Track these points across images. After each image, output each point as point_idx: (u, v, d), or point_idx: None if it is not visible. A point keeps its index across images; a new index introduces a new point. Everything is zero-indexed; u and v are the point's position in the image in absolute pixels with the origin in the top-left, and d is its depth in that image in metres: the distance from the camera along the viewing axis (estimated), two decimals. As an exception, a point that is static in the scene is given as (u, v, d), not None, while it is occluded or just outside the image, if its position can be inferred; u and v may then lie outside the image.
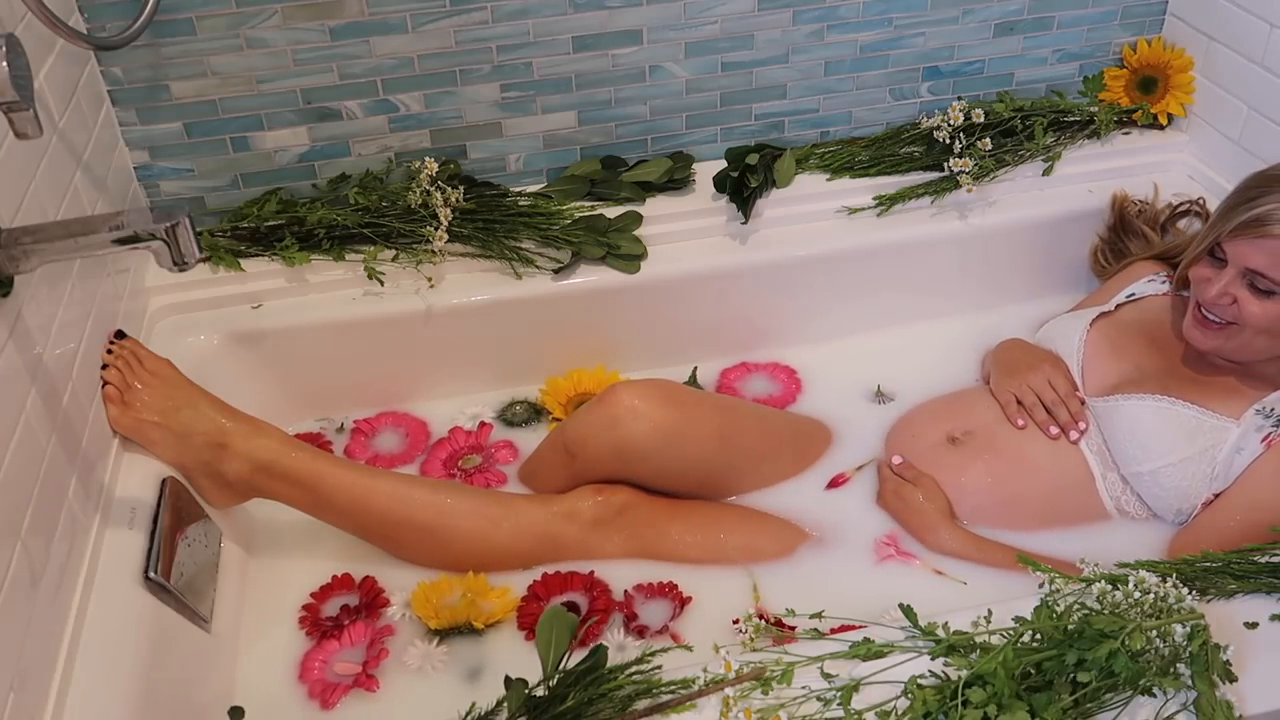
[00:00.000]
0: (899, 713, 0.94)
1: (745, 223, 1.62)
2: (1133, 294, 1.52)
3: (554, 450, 1.44)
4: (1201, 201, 1.65)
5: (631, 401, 1.36)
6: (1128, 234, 1.66)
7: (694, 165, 1.69)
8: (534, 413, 1.63)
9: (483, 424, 1.61)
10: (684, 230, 1.63)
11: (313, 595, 1.36)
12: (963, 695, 0.92)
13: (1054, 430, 1.40)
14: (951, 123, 1.65)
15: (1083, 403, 1.42)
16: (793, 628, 1.08)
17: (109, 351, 1.28)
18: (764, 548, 1.37)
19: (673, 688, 0.99)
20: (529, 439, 1.58)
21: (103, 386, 1.25)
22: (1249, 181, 1.31)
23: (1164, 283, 1.51)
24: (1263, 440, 1.28)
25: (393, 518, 1.32)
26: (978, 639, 0.99)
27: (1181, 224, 1.65)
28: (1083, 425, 1.40)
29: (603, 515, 1.36)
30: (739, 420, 1.45)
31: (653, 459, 1.36)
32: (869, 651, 0.99)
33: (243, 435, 1.28)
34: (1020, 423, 1.42)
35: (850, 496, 1.47)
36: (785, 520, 1.42)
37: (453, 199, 1.54)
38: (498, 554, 1.35)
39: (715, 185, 1.64)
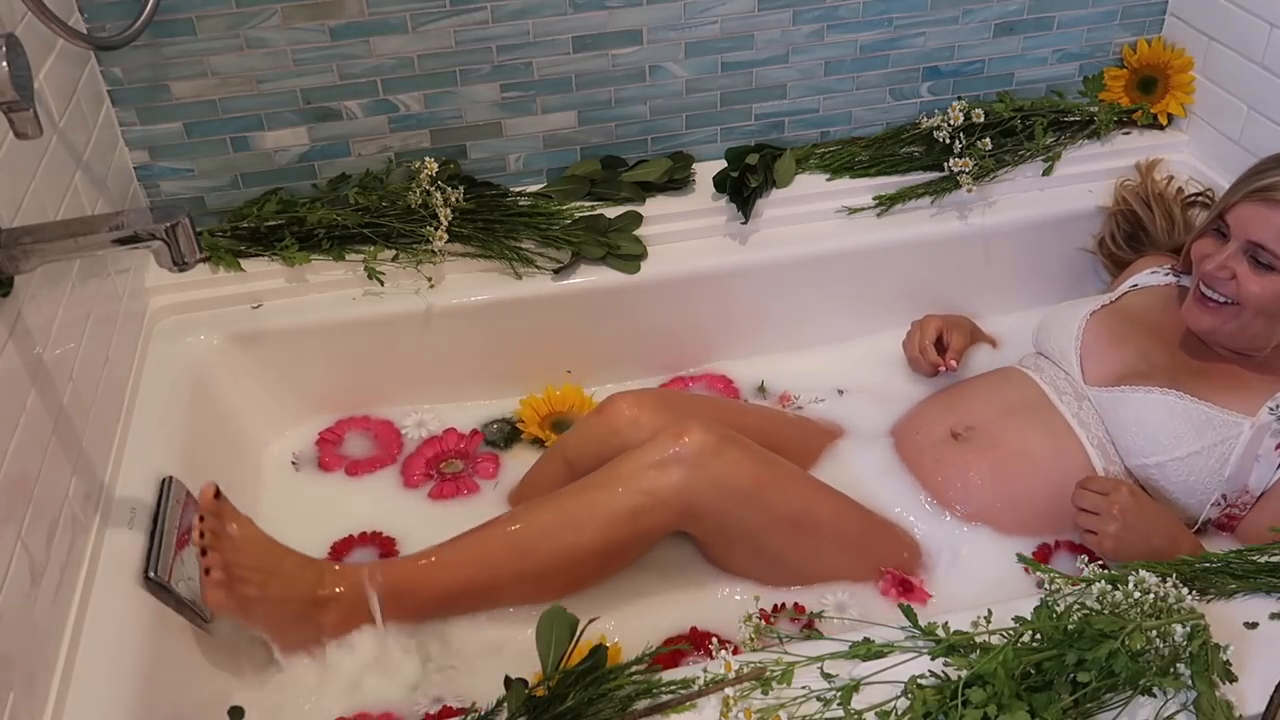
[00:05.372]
0: (899, 713, 0.94)
1: (745, 223, 1.62)
2: (1135, 284, 1.52)
3: (553, 464, 1.43)
4: (1210, 193, 1.65)
5: (631, 411, 1.36)
6: (1150, 207, 1.64)
7: (694, 165, 1.69)
8: (514, 434, 1.62)
9: (474, 432, 1.61)
10: (684, 230, 1.63)
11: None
12: (963, 695, 0.92)
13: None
14: (951, 123, 1.65)
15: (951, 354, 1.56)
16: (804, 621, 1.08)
17: (202, 518, 1.20)
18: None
19: (673, 688, 0.99)
20: (509, 459, 1.58)
21: (206, 572, 1.18)
22: (1261, 163, 1.33)
23: (1167, 274, 1.51)
24: (1278, 448, 1.28)
25: (484, 586, 1.27)
26: (978, 639, 0.99)
27: (1192, 213, 1.65)
28: (943, 369, 1.55)
29: (698, 459, 1.25)
30: (739, 421, 1.44)
31: None
32: (869, 651, 0.99)
33: (333, 584, 1.24)
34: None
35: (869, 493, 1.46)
36: (879, 516, 1.40)
37: (453, 199, 1.54)
38: (596, 553, 1.27)
39: (715, 185, 1.64)
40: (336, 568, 1.26)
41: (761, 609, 1.28)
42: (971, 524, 1.39)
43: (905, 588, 1.33)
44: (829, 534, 1.32)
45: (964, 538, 1.39)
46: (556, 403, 1.63)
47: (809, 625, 1.26)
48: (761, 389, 1.67)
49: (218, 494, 1.21)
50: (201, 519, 1.20)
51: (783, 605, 1.30)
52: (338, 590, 1.24)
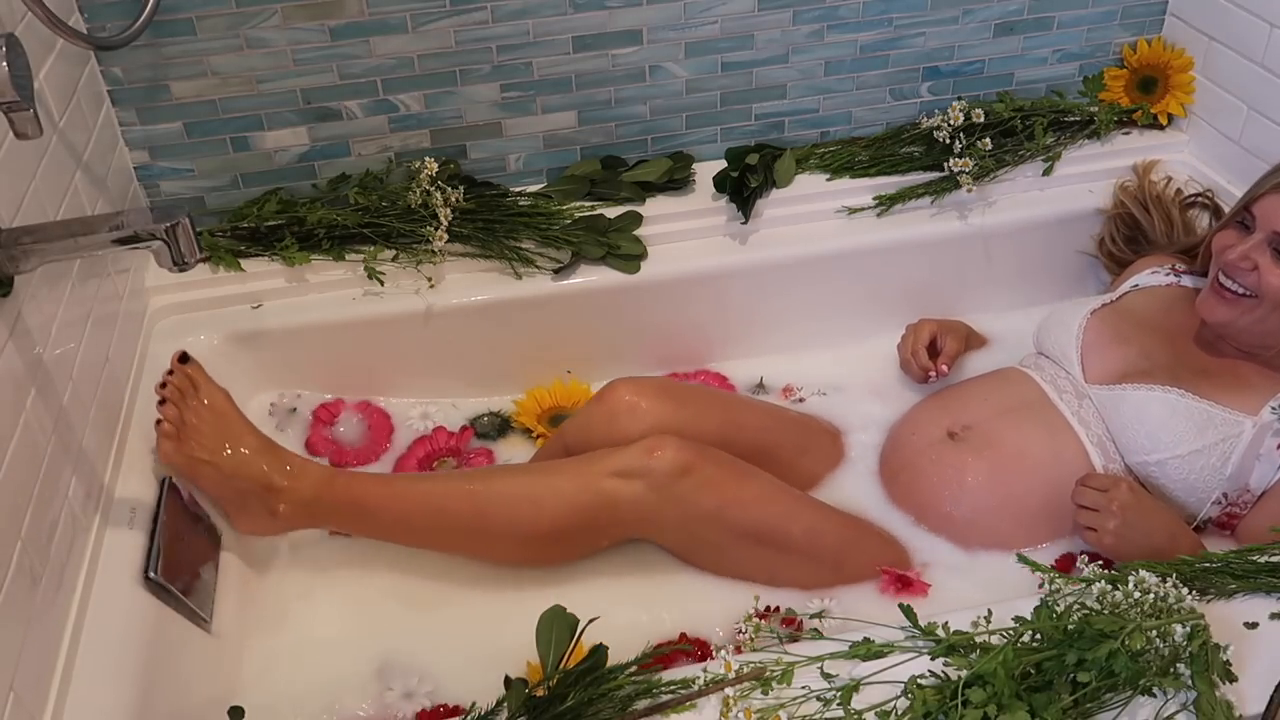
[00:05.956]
0: (899, 713, 0.94)
1: (745, 223, 1.62)
2: (1136, 285, 1.52)
3: (554, 451, 1.44)
4: (1210, 193, 1.65)
5: (630, 398, 1.36)
6: (1148, 209, 1.64)
7: (694, 165, 1.69)
8: (504, 425, 1.62)
9: (464, 428, 1.61)
10: (684, 230, 1.63)
11: None
12: (963, 695, 0.92)
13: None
14: (951, 123, 1.65)
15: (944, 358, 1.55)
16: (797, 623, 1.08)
17: (170, 372, 1.26)
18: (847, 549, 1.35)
19: (673, 688, 0.99)
20: (502, 452, 1.59)
21: (157, 422, 1.24)
22: None
23: (1168, 274, 1.51)
24: (1279, 447, 1.28)
25: (437, 524, 1.30)
26: (978, 639, 0.99)
27: (1191, 213, 1.65)
28: (932, 375, 1.54)
29: (661, 478, 1.27)
30: (740, 415, 1.45)
31: None
32: (869, 651, 0.99)
33: (291, 477, 1.27)
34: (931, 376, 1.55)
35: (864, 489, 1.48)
36: (871, 526, 1.41)
37: (453, 199, 1.54)
38: (551, 534, 1.29)
39: (715, 185, 1.64)
40: (295, 465, 1.28)
41: (757, 609, 1.28)
42: (968, 529, 1.39)
43: (903, 584, 1.33)
44: (799, 549, 1.32)
45: (961, 545, 1.39)
46: (561, 397, 1.63)
47: (793, 624, 1.26)
48: (761, 385, 1.67)
49: (185, 358, 1.27)
50: (170, 373, 1.26)
51: (775, 608, 1.30)
52: (292, 479, 1.27)
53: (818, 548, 1.33)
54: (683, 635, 1.29)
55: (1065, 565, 1.35)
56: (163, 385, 1.26)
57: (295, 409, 1.57)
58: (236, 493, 1.27)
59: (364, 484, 1.31)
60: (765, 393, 1.67)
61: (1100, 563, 1.06)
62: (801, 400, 1.63)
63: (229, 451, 1.26)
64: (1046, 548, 1.38)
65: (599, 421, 1.36)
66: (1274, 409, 1.30)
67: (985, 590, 1.30)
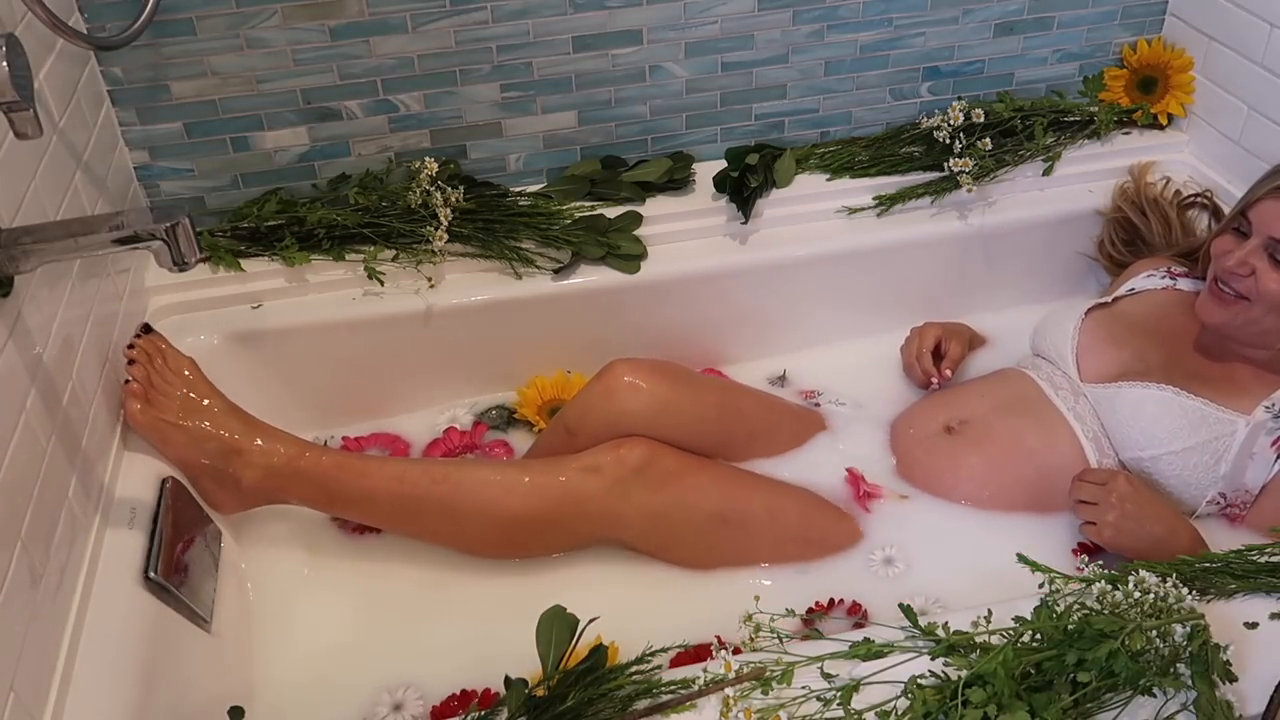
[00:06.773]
0: (899, 713, 0.94)
1: (745, 223, 1.62)
2: (1132, 289, 1.53)
3: (555, 434, 1.44)
4: (1209, 194, 1.65)
5: (629, 377, 1.37)
6: (1145, 213, 1.64)
7: (694, 165, 1.69)
8: (512, 417, 1.63)
9: (477, 423, 1.61)
10: (684, 230, 1.63)
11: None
12: (963, 695, 0.92)
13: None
14: (951, 123, 1.65)
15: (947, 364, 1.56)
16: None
17: (130, 346, 1.29)
18: (793, 517, 1.38)
19: (673, 688, 1.00)
20: (518, 440, 1.60)
21: (125, 382, 1.25)
22: None
23: (1164, 277, 1.51)
24: (1273, 445, 1.28)
25: (405, 501, 1.31)
26: (978, 639, 0.99)
27: (1190, 214, 1.65)
28: (935, 381, 1.55)
29: (621, 473, 1.33)
30: (735, 398, 1.47)
31: (650, 431, 1.36)
32: (869, 651, 0.99)
33: (257, 441, 1.29)
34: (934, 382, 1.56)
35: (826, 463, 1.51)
36: (827, 501, 1.43)
37: (453, 199, 1.54)
38: (519, 522, 1.32)
39: (715, 185, 1.64)
40: (265, 432, 1.30)
41: (817, 602, 1.32)
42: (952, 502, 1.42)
43: (857, 486, 1.44)
44: (763, 526, 1.36)
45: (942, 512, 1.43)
46: (562, 389, 1.62)
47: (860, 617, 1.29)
48: (783, 378, 1.68)
49: (148, 328, 1.32)
50: (138, 336, 1.31)
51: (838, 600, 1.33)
52: (259, 443, 1.29)
53: (781, 523, 1.37)
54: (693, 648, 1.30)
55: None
56: (130, 347, 1.29)
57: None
58: (205, 457, 1.28)
59: (335, 457, 1.32)
60: (787, 384, 1.68)
61: (1100, 562, 1.06)
62: (817, 405, 1.62)
63: (196, 415, 1.27)
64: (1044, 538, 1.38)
65: (599, 400, 1.37)
66: (1267, 408, 1.30)
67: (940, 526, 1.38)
